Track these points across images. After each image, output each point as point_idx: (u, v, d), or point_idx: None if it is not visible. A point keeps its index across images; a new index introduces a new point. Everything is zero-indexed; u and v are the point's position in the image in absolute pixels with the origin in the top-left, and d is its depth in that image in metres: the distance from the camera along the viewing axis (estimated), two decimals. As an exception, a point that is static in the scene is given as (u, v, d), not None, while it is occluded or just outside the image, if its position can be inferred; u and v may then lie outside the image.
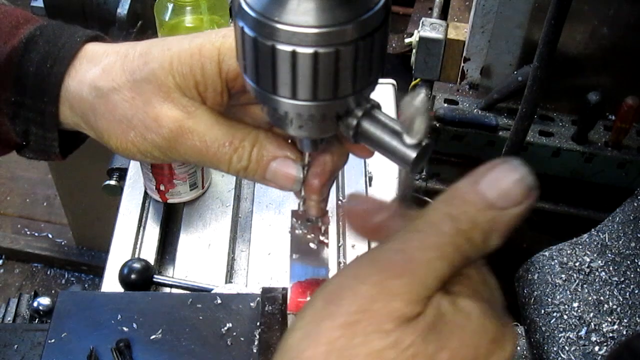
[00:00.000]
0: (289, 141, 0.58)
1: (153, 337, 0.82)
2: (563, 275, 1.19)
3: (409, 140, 0.49)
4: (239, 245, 1.03)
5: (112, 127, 0.56)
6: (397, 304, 0.39)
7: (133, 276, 0.93)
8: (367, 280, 0.40)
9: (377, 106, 0.51)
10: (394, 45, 2.35)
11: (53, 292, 2.48)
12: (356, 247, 1.00)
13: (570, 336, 1.11)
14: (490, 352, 0.40)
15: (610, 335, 1.10)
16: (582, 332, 1.11)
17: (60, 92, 0.58)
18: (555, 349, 1.10)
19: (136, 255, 1.00)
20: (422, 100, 0.47)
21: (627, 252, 1.18)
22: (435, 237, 0.41)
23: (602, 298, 1.14)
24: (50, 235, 2.65)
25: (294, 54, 0.44)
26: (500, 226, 0.43)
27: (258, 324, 0.83)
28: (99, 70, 0.57)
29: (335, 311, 0.39)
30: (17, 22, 0.61)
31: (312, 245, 0.69)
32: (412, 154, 0.49)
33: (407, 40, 1.88)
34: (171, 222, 1.06)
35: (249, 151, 0.55)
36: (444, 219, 0.42)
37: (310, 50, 0.44)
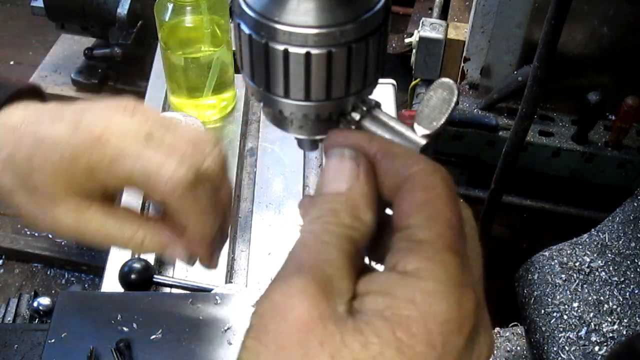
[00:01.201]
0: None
1: (153, 337, 0.82)
2: (563, 275, 1.19)
3: (420, 130, 0.47)
4: (239, 245, 1.03)
5: (24, 216, 0.60)
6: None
7: (133, 276, 0.93)
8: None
9: (378, 105, 0.51)
10: (394, 45, 2.35)
11: (53, 292, 2.47)
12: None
13: (570, 336, 1.11)
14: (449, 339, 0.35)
15: (610, 335, 1.10)
16: (582, 332, 1.11)
17: None
18: (555, 349, 1.10)
19: (136, 255, 1.00)
20: (454, 94, 0.46)
21: (627, 252, 1.18)
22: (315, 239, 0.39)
23: (602, 298, 1.14)
24: (50, 235, 2.65)
25: (286, 52, 0.44)
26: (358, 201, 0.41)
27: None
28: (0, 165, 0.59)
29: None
30: None
31: None
32: (421, 141, 0.47)
33: (407, 40, 1.88)
34: (171, 222, 1.06)
35: (141, 241, 0.60)
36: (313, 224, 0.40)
37: (302, 50, 0.44)
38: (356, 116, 0.49)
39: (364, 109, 0.49)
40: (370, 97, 0.50)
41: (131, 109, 0.58)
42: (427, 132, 0.47)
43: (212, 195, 0.59)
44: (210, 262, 0.63)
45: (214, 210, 0.60)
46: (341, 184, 0.42)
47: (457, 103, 0.47)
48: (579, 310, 1.13)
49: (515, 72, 1.54)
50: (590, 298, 1.14)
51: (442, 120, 0.47)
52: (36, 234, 2.65)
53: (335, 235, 0.39)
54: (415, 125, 0.47)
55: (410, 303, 0.35)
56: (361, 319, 0.36)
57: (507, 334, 1.36)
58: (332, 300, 0.36)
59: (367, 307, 0.36)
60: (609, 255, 1.19)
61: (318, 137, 0.54)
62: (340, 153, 0.43)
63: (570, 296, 1.15)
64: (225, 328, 0.84)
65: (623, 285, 1.14)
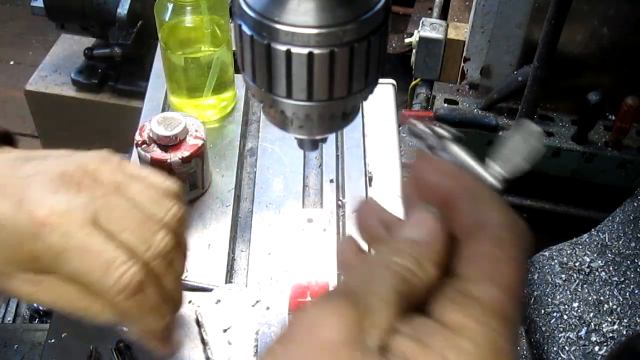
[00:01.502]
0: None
1: (153, 337, 0.82)
2: (563, 275, 1.19)
3: (498, 171, 0.43)
4: (239, 245, 1.03)
5: None
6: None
7: (133, 276, 0.93)
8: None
9: (454, 138, 0.48)
10: (394, 45, 2.35)
11: (53, 292, 2.48)
12: (356, 247, 1.00)
13: (570, 336, 1.11)
14: None
15: (610, 335, 1.10)
16: (582, 332, 1.11)
17: None
18: (555, 349, 1.10)
19: (136, 255, 1.00)
20: (539, 141, 0.42)
21: (627, 252, 1.18)
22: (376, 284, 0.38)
23: (602, 298, 1.14)
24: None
25: (288, 53, 0.44)
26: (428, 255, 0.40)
27: (258, 324, 0.83)
28: None
29: None
30: None
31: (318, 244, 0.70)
32: (497, 185, 0.43)
33: (407, 40, 1.88)
34: (171, 222, 1.06)
35: (98, 314, 0.58)
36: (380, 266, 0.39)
37: (305, 51, 0.44)
38: (432, 145, 0.46)
39: (441, 139, 0.46)
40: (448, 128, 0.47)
41: (76, 186, 0.56)
42: (505, 175, 0.43)
43: (162, 288, 0.57)
44: (164, 349, 0.62)
45: (163, 306, 0.58)
46: (420, 234, 0.40)
47: (541, 151, 0.43)
48: (579, 310, 1.13)
49: (515, 72, 1.54)
50: (590, 298, 1.14)
51: (524, 166, 0.43)
52: (36, 234, 2.66)
53: (394, 273, 0.38)
54: (492, 165, 0.44)
55: (440, 357, 0.34)
56: (387, 357, 0.35)
57: (507, 334, 1.36)
58: (366, 329, 0.35)
59: (398, 348, 0.35)
60: (609, 255, 1.19)
61: (318, 137, 0.54)
62: (426, 207, 0.42)
63: (570, 296, 1.15)
64: (225, 328, 0.84)
65: (623, 285, 1.14)
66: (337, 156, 1.13)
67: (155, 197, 0.59)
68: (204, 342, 0.83)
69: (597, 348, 1.09)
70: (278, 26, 0.44)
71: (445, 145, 0.45)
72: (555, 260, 1.21)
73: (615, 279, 1.15)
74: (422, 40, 1.72)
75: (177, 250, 0.59)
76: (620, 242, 1.19)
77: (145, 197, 0.58)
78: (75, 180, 0.56)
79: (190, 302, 0.86)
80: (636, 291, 1.13)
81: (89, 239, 0.54)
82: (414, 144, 1.77)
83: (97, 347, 0.81)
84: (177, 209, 0.59)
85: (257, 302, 0.86)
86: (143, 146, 0.99)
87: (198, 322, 0.85)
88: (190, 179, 1.02)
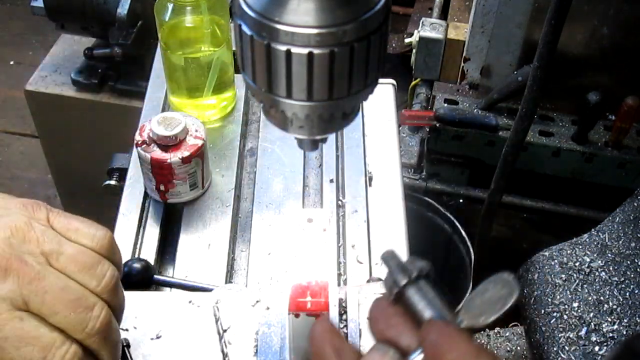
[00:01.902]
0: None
1: (153, 337, 0.82)
2: (563, 275, 1.19)
3: (466, 320, 0.44)
4: (239, 245, 1.03)
5: None
6: None
7: (133, 276, 0.93)
8: None
9: (427, 276, 0.48)
10: (394, 45, 2.35)
11: (53, 292, 2.48)
12: (356, 247, 1.00)
13: (570, 336, 1.11)
14: None
15: (610, 335, 1.10)
16: (582, 332, 1.11)
17: None
18: (555, 349, 1.10)
19: (136, 255, 1.00)
20: (513, 294, 0.43)
21: (627, 252, 1.18)
22: None
23: (602, 298, 1.14)
24: (50, 235, 2.66)
25: (288, 53, 0.44)
26: None
27: (258, 324, 0.83)
28: None
29: None
30: None
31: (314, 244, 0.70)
32: None
33: (407, 40, 1.88)
34: (171, 222, 1.06)
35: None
36: None
37: (305, 51, 0.44)
38: (402, 281, 0.47)
39: (412, 276, 0.47)
40: (422, 263, 0.48)
41: (3, 272, 0.55)
42: (471, 324, 0.44)
43: None
44: None
45: None
46: None
47: (514, 304, 0.44)
48: (579, 310, 1.14)
49: (515, 72, 1.54)
50: (590, 298, 1.14)
51: (492, 318, 0.44)
52: (36, 234, 2.66)
53: None
54: (462, 314, 0.45)
55: None
56: None
57: (507, 334, 1.37)
58: None
59: None
60: (609, 255, 1.19)
61: (318, 137, 0.54)
62: (385, 350, 0.45)
63: (570, 296, 1.15)
64: (226, 328, 0.84)
65: (623, 285, 1.14)
66: (337, 156, 1.13)
67: (88, 263, 0.58)
68: (219, 337, 0.83)
69: (597, 348, 1.09)
70: (278, 26, 0.44)
71: (406, 292, 0.47)
72: (555, 260, 1.21)
73: (615, 279, 1.15)
74: (422, 40, 1.72)
75: (113, 317, 0.59)
76: (620, 242, 1.19)
77: (77, 267, 0.57)
78: (2, 266, 0.55)
79: (190, 302, 0.86)
80: (636, 291, 1.13)
81: (22, 325, 0.53)
82: (413, 144, 1.77)
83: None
84: (109, 275, 0.59)
85: (257, 302, 0.86)
86: (143, 146, 0.99)
87: (215, 317, 0.85)
88: (190, 179, 1.02)
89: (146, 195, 1.07)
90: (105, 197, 1.17)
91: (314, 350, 0.48)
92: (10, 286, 0.54)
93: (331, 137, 1.04)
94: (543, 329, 1.14)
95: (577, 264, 1.19)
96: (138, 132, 1.01)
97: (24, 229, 0.58)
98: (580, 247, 1.22)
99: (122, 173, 1.15)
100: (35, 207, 0.61)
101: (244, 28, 0.46)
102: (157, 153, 0.98)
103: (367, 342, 0.79)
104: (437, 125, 1.60)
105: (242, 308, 0.86)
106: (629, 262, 1.16)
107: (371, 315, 0.49)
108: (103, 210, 1.05)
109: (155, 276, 0.95)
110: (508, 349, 1.34)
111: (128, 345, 0.81)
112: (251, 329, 0.84)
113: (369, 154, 1.13)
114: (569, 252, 1.21)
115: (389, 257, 0.48)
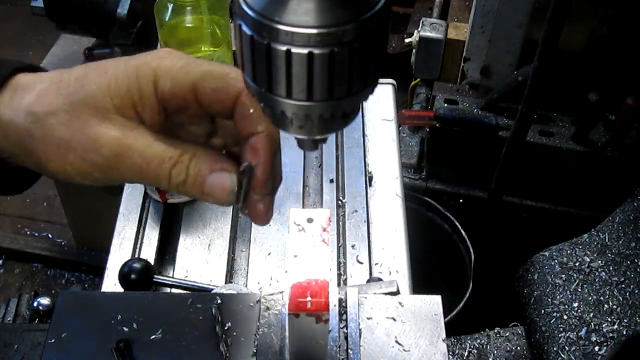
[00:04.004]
0: (224, 152, 0.61)
1: (153, 337, 0.82)
2: (563, 275, 1.19)
3: None
4: (239, 245, 1.03)
5: (50, 151, 0.57)
6: None
7: (133, 276, 0.93)
8: None
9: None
10: (394, 45, 2.35)
11: (53, 292, 2.47)
12: (356, 247, 1.00)
13: (570, 336, 1.11)
14: None
15: (610, 335, 1.10)
16: (582, 332, 1.11)
17: None
18: (555, 349, 1.10)
19: (136, 255, 1.00)
20: None
21: (627, 252, 1.18)
22: None
23: (602, 298, 1.14)
24: (50, 235, 2.65)
25: (288, 53, 0.44)
26: None
27: (258, 324, 0.83)
28: (34, 96, 0.57)
29: None
30: None
31: (312, 245, 0.69)
32: None
33: (407, 40, 1.88)
34: (171, 222, 1.06)
35: (187, 165, 0.57)
36: None
37: (305, 51, 0.44)
38: None
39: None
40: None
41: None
42: None
43: None
44: (265, 209, 0.60)
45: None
46: None
47: None
48: (579, 310, 1.14)
49: (515, 72, 1.54)
50: (590, 298, 1.14)
51: None
52: (36, 234, 2.65)
53: None
54: None
55: None
56: None
57: (507, 334, 1.36)
58: None
59: None
60: (609, 255, 1.19)
61: (318, 137, 0.54)
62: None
63: (570, 296, 1.15)
64: (225, 328, 0.84)
65: (623, 285, 1.14)
66: (337, 156, 1.13)
67: None
68: (219, 338, 0.83)
69: (597, 348, 1.09)
70: (278, 26, 0.44)
71: None
72: (555, 260, 1.21)
73: (615, 279, 1.15)
74: (422, 40, 1.72)
75: None
76: (620, 242, 1.19)
77: None
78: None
79: (190, 302, 0.86)
80: (636, 291, 1.13)
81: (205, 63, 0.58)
82: (413, 144, 1.77)
83: (97, 347, 0.81)
84: None
85: (257, 302, 0.86)
86: (143, 146, 0.99)
87: (215, 318, 0.85)
88: (190, 179, 1.02)
89: (146, 195, 1.07)
90: (105, 197, 1.17)
91: None
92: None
93: (331, 137, 1.04)
94: (543, 329, 1.14)
95: (577, 264, 1.19)
96: (138, 132, 1.01)
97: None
98: (580, 247, 1.22)
99: (122, 173, 1.15)
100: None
101: (244, 28, 0.45)
102: (157, 153, 0.98)
103: (367, 342, 0.79)
104: (437, 125, 1.60)
105: (242, 308, 0.86)
106: (629, 262, 1.16)
107: None
108: (103, 210, 1.05)
109: (155, 276, 0.95)
110: (508, 349, 1.34)
111: (128, 345, 0.81)
112: (251, 329, 0.84)
113: (369, 154, 1.13)
114: (569, 252, 1.21)
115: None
